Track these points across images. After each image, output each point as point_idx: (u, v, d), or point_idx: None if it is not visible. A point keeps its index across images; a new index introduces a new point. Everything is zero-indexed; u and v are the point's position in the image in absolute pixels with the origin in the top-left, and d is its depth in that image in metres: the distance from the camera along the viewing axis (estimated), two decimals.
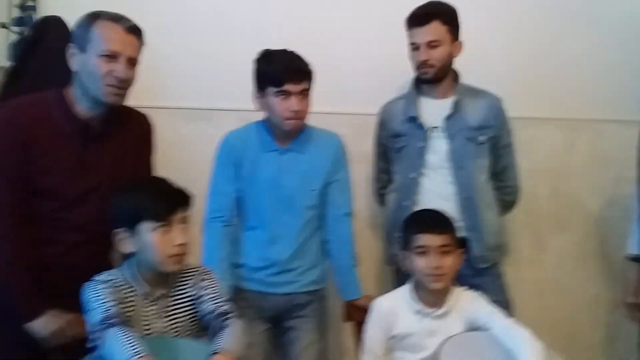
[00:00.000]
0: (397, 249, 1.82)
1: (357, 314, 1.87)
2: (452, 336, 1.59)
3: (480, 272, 2.01)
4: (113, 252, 1.70)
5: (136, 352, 1.26)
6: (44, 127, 1.61)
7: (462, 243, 1.83)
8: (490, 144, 2.06)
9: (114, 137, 1.70)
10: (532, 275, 2.55)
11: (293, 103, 1.79)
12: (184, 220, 1.47)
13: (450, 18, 2.02)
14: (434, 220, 1.71)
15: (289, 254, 1.87)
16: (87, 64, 1.61)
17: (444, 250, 1.65)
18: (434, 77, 2.03)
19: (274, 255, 1.87)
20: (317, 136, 1.93)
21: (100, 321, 1.34)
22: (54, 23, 2.00)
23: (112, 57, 1.59)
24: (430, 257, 1.64)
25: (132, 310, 1.45)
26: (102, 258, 1.68)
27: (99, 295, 1.40)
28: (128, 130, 1.75)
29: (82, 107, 1.65)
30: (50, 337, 1.60)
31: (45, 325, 1.59)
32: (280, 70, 1.79)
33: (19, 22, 2.15)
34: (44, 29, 2.00)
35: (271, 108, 1.83)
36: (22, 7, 2.17)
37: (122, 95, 1.66)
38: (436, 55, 1.99)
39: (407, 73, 2.13)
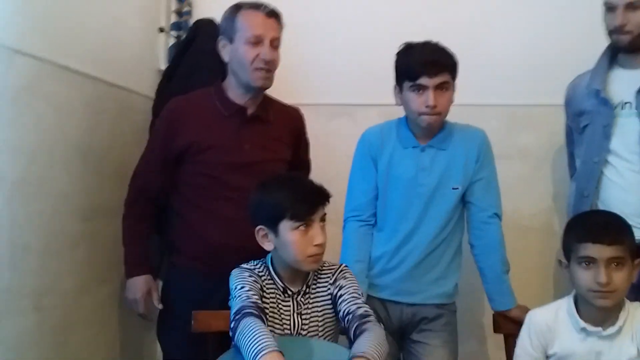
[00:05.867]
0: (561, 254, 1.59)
1: (509, 325, 1.71)
2: None
3: None
4: None
5: (266, 345, 1.21)
6: (206, 112, 1.78)
7: None
8: None
9: (268, 120, 1.82)
10: None
11: (429, 98, 1.68)
12: (323, 219, 1.46)
13: None
14: (604, 227, 1.46)
15: (421, 258, 1.75)
16: (236, 52, 1.73)
17: (614, 264, 1.41)
18: (631, 45, 1.73)
19: (403, 259, 1.76)
20: (459, 132, 1.80)
21: (238, 310, 1.35)
22: (206, 25, 2.10)
23: (257, 42, 1.71)
24: (597, 270, 1.41)
25: (273, 303, 1.46)
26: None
27: (244, 282, 1.42)
28: (281, 117, 1.87)
29: (236, 94, 1.79)
30: (134, 301, 1.79)
31: (135, 286, 1.79)
32: (416, 63, 1.70)
33: (176, 26, 2.30)
34: (196, 31, 2.11)
35: (407, 103, 1.75)
36: (179, 13, 2.31)
37: (270, 78, 1.77)
38: (636, 20, 1.70)
39: (573, 60, 1.92)
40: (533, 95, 2.25)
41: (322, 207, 1.45)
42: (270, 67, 1.73)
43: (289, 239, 1.42)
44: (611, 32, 1.76)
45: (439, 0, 2.31)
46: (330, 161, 2.15)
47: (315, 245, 1.42)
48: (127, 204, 1.84)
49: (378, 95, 2.02)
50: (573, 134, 1.94)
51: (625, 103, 1.75)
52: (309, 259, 1.43)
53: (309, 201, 1.43)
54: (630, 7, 1.70)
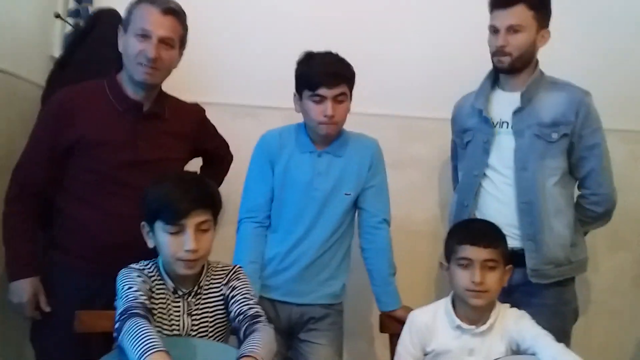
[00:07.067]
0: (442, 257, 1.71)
1: (393, 325, 1.80)
2: None
3: (536, 289, 1.83)
4: None
5: (152, 345, 1.19)
6: (99, 105, 1.71)
7: (513, 259, 1.69)
8: (567, 143, 1.86)
9: (164, 117, 1.78)
10: (583, 296, 2.39)
11: (327, 108, 1.75)
12: (201, 225, 1.41)
13: (538, 3, 1.85)
14: (481, 232, 1.61)
15: (312, 260, 1.80)
16: (126, 44, 1.69)
17: (489, 266, 1.55)
18: (510, 66, 1.87)
19: (295, 261, 1.81)
20: (354, 140, 1.88)
21: (124, 310, 1.31)
22: (107, 14, 2.02)
23: (144, 36, 1.66)
24: (472, 271, 1.55)
25: (163, 304, 1.44)
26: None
27: (131, 283, 1.39)
28: (178, 114, 1.82)
29: (129, 89, 1.73)
30: (19, 305, 1.69)
31: (20, 289, 1.68)
32: (316, 74, 1.75)
33: (74, 13, 2.20)
34: (95, 20, 2.03)
35: (306, 112, 1.80)
36: (78, 0, 2.21)
37: (154, 75, 1.70)
38: (515, 42, 1.84)
39: (467, 77, 2.05)
40: (427, 108, 2.37)
41: (199, 213, 1.40)
42: (154, 64, 1.66)
43: (160, 240, 1.41)
44: (493, 54, 1.90)
45: (343, 11, 2.37)
46: (233, 161, 2.14)
47: (186, 250, 1.39)
48: (9, 200, 1.72)
49: (283, 99, 2.04)
50: (457, 149, 2.09)
51: (503, 122, 1.91)
52: (179, 262, 1.41)
53: (184, 205, 1.39)
54: (510, 29, 1.84)
